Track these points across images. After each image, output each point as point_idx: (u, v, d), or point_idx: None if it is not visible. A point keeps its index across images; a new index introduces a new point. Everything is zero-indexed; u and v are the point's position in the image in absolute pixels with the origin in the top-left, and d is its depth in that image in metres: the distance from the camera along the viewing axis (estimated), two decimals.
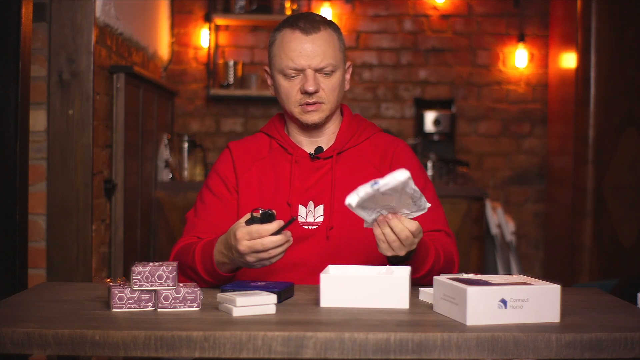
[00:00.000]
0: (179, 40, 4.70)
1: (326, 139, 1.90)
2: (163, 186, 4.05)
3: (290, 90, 1.82)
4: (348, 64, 1.89)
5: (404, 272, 1.57)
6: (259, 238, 1.53)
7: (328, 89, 1.82)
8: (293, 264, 1.78)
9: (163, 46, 4.47)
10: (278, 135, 1.91)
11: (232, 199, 1.86)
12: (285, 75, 1.82)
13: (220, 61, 4.69)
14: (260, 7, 4.52)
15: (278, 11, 4.56)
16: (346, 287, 1.49)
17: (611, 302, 1.61)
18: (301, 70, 1.80)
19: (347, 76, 1.89)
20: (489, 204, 4.26)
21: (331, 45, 1.81)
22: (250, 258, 1.56)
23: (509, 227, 4.35)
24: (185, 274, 1.74)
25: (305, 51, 1.79)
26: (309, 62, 1.79)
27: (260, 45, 4.74)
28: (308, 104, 1.81)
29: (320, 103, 1.82)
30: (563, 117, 4.38)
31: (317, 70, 1.80)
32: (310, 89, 1.79)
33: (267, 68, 1.90)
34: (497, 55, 4.75)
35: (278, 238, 1.54)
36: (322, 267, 1.77)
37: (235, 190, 1.87)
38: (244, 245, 1.55)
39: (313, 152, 1.88)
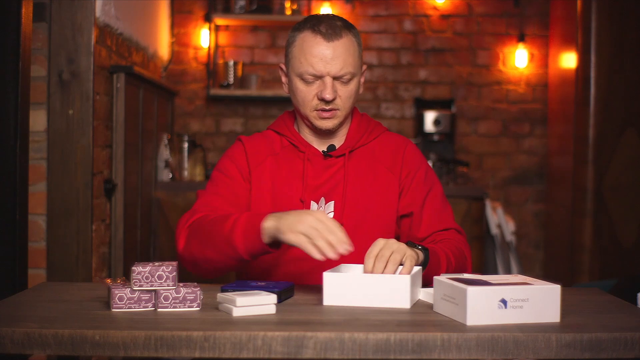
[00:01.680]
0: (179, 40, 4.70)
1: (337, 140, 1.91)
2: (163, 186, 4.05)
3: (307, 95, 1.81)
4: (364, 67, 1.88)
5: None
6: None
7: (345, 96, 1.81)
8: (299, 258, 1.77)
9: (163, 46, 4.48)
10: (289, 132, 1.90)
11: (245, 189, 1.84)
12: (304, 80, 1.80)
13: (220, 61, 4.69)
14: (260, 7, 4.52)
15: (278, 11, 4.56)
16: (349, 285, 1.50)
17: (611, 302, 1.61)
18: (320, 77, 1.79)
19: (362, 80, 1.88)
20: (489, 204, 4.26)
21: (351, 53, 1.80)
22: (311, 219, 1.51)
23: (509, 227, 4.35)
24: (204, 243, 1.67)
25: (325, 58, 1.77)
26: (328, 69, 1.77)
27: (260, 45, 4.74)
28: (324, 110, 1.80)
29: (335, 110, 1.81)
30: (563, 117, 4.38)
31: (336, 78, 1.79)
32: (328, 97, 1.78)
33: (283, 66, 1.88)
34: (497, 55, 4.75)
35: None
36: (328, 262, 1.76)
37: (249, 180, 1.86)
38: (319, 213, 1.52)
39: (325, 150, 1.88)
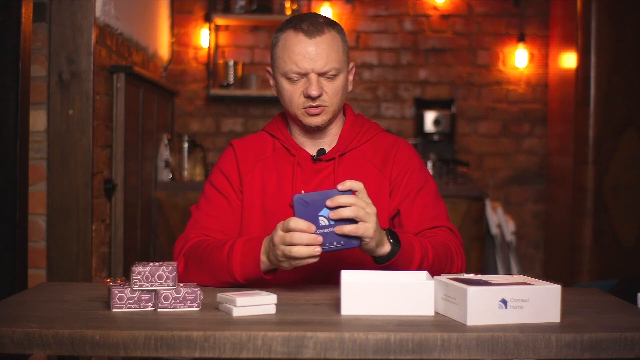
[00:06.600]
0: (179, 40, 4.71)
1: (329, 140, 1.89)
2: (163, 186, 4.05)
3: (294, 94, 1.80)
4: (351, 64, 1.87)
5: (426, 277, 1.52)
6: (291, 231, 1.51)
7: (331, 92, 1.80)
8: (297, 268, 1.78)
9: (163, 46, 4.48)
10: (281, 135, 1.90)
11: (237, 199, 1.86)
12: (289, 79, 1.79)
13: (220, 61, 4.69)
14: (260, 7, 4.52)
15: (278, 11, 4.56)
16: (369, 293, 1.43)
17: (611, 302, 1.61)
18: (304, 74, 1.78)
19: (350, 77, 1.87)
20: (489, 204, 4.26)
21: (335, 49, 1.79)
22: (278, 251, 1.54)
23: (509, 227, 4.35)
24: (201, 270, 1.71)
25: (309, 55, 1.76)
26: (312, 66, 1.77)
27: (260, 45, 4.74)
28: (311, 107, 1.80)
29: (323, 106, 1.80)
30: (563, 117, 4.38)
31: (321, 74, 1.78)
32: (314, 93, 1.77)
33: (269, 68, 1.89)
34: (497, 55, 4.75)
35: (303, 226, 1.50)
36: (322, 270, 1.76)
37: (240, 190, 1.86)
38: (277, 235, 1.54)
39: (315, 154, 1.87)
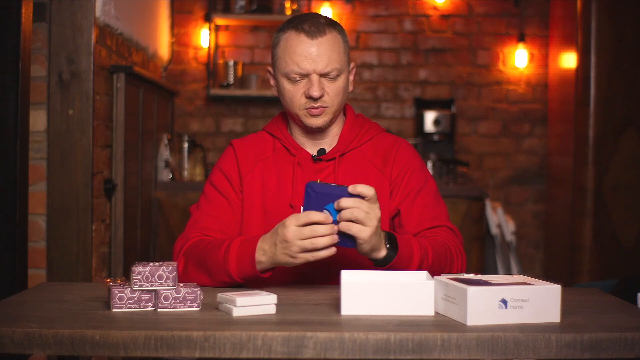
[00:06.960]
0: (179, 40, 4.71)
1: (329, 140, 1.89)
2: (163, 186, 4.05)
3: (295, 94, 1.80)
4: (352, 65, 1.87)
5: (426, 277, 1.52)
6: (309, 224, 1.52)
7: (333, 93, 1.80)
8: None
9: (163, 46, 4.48)
10: (281, 135, 1.90)
11: (237, 199, 1.86)
12: (290, 79, 1.79)
13: (220, 61, 4.69)
14: (260, 7, 4.52)
15: (278, 11, 4.56)
16: (369, 293, 1.43)
17: (611, 302, 1.61)
18: (306, 75, 1.78)
19: (351, 77, 1.87)
20: (489, 204, 4.26)
21: (336, 49, 1.79)
22: (294, 247, 1.54)
23: (509, 227, 4.35)
24: (200, 270, 1.72)
25: (310, 55, 1.76)
26: (314, 67, 1.77)
27: (260, 45, 4.74)
28: (313, 107, 1.80)
29: (324, 107, 1.80)
30: (563, 117, 4.38)
31: (322, 75, 1.78)
32: (315, 94, 1.77)
33: (270, 68, 1.89)
34: (497, 55, 4.75)
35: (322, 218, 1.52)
36: (322, 269, 1.76)
37: (240, 190, 1.86)
38: (290, 231, 1.53)
39: (315, 154, 1.87)
